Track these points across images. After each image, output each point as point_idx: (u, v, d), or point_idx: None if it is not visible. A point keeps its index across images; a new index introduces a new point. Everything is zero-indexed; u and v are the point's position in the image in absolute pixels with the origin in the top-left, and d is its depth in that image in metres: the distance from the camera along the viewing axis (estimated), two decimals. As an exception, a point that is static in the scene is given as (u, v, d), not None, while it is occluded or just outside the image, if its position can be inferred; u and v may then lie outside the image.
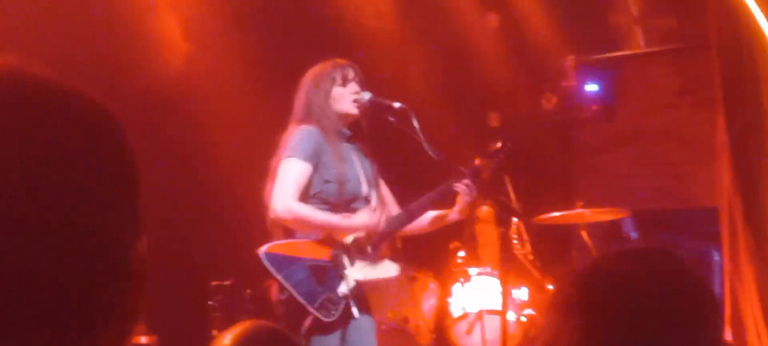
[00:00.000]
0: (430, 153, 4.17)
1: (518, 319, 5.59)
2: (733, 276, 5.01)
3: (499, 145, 4.67)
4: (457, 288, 5.77)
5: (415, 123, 4.13)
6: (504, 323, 4.76)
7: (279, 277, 3.93)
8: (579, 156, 7.83)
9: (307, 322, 3.95)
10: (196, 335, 5.10)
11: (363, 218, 4.10)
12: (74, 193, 0.79)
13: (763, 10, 4.90)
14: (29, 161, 0.78)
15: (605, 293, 1.43)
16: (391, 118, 4.19)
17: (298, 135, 4.09)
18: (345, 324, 3.99)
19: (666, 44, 7.31)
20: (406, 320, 5.59)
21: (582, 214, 5.67)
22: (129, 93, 5.25)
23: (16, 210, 0.76)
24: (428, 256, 6.11)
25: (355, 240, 4.11)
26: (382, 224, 4.16)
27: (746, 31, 5.05)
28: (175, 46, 5.85)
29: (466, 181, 4.25)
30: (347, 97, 4.18)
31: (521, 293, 5.78)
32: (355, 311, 3.98)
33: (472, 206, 4.41)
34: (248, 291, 5.21)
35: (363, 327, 4.06)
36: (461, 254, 6.03)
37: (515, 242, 5.78)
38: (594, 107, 7.48)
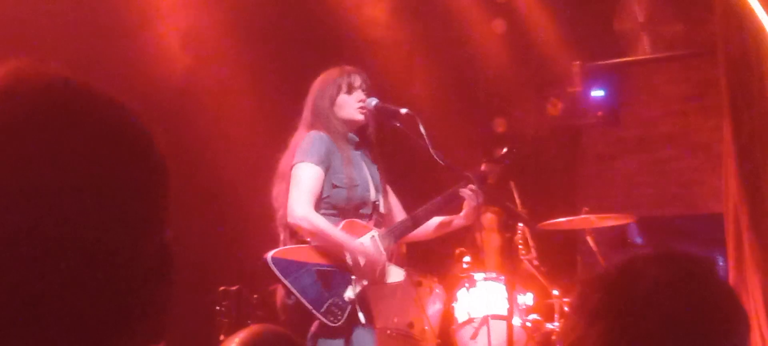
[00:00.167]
0: (437, 158, 4.17)
1: (523, 324, 5.59)
2: (738, 282, 5.02)
3: (504, 150, 4.68)
4: (462, 293, 5.77)
5: (422, 129, 4.13)
6: (510, 328, 4.76)
7: (285, 282, 3.93)
8: (585, 162, 7.82)
9: (314, 327, 3.96)
10: (204, 340, 5.11)
11: (370, 248, 4.09)
12: (98, 199, 0.80)
13: (769, 17, 4.91)
14: (44, 166, 0.79)
15: (632, 299, 1.40)
16: (398, 124, 4.19)
17: (309, 139, 4.10)
18: (351, 329, 4.00)
19: (672, 50, 7.30)
20: (411, 325, 5.59)
21: (588, 219, 5.67)
22: (131, 103, 5.24)
23: (38, 218, 0.77)
24: (434, 261, 6.11)
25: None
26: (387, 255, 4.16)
27: (753, 38, 5.06)
28: (176, 57, 5.86)
29: (472, 186, 4.25)
30: (352, 105, 4.18)
31: (527, 299, 5.79)
32: (361, 316, 4.00)
33: (478, 211, 4.41)
34: (255, 296, 5.21)
35: (364, 339, 4.06)
36: (467, 259, 6.03)
37: (521, 247, 5.78)
38: (600, 113, 7.47)
